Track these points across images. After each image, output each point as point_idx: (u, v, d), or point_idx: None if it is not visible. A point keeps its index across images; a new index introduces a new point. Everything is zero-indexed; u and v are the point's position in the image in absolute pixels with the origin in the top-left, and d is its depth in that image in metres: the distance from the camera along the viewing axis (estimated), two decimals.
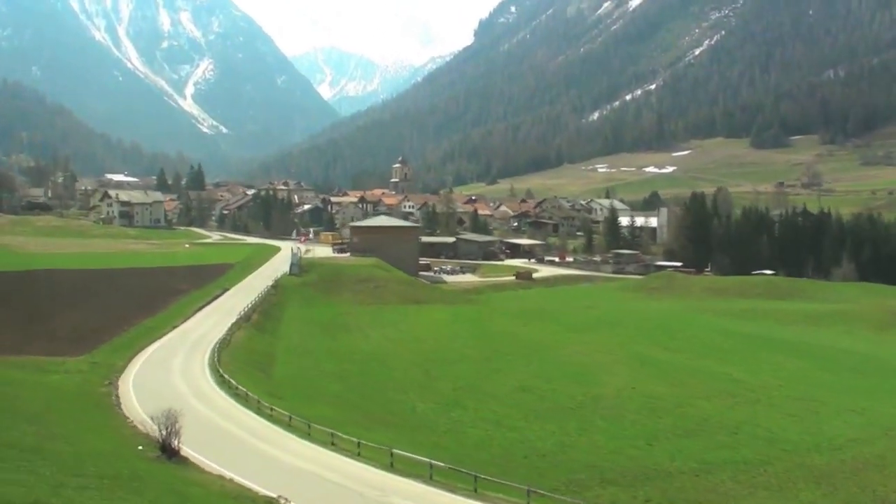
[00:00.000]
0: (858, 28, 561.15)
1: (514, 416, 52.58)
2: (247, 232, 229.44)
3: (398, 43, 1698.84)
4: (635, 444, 46.59)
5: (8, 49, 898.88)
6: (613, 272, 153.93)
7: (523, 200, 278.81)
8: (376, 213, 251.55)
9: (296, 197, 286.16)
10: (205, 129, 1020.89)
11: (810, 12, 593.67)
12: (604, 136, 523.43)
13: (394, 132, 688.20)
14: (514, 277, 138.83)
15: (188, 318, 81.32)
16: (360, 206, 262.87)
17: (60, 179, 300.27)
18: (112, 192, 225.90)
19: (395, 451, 37.63)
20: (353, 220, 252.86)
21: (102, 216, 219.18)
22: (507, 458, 42.70)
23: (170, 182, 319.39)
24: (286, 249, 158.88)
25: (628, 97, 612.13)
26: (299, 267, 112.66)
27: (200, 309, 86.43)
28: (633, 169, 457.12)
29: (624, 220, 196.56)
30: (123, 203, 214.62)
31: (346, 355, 71.80)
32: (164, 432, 35.28)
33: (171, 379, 55.05)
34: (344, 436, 40.88)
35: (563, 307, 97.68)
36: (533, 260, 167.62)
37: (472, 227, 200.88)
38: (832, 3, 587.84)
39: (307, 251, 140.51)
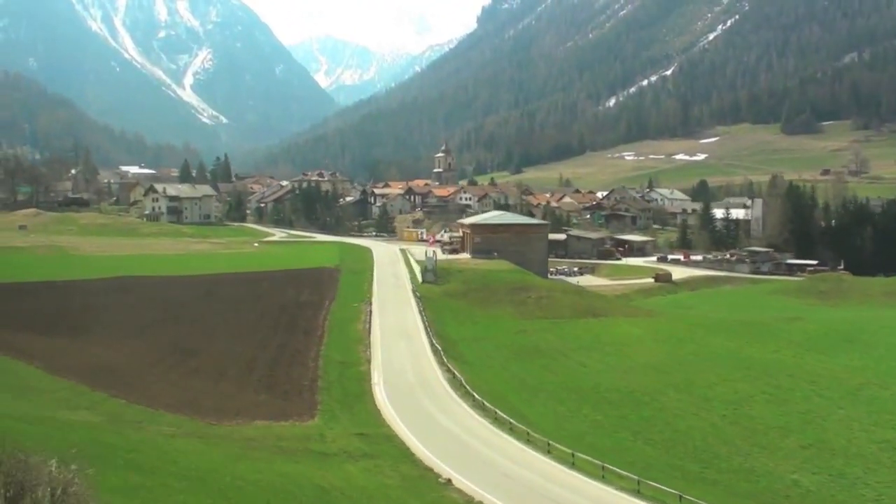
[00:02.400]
0: (876, 10, 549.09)
1: None
2: (290, 226, 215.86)
3: (394, 31, 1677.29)
4: None
5: (4, 41, 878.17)
6: (750, 272, 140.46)
7: (576, 191, 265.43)
8: (425, 205, 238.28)
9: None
10: (205, 120, 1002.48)
11: None
12: (625, 122, 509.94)
13: (401, 121, 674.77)
14: (652, 280, 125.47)
15: (368, 345, 67.94)
16: (408, 197, 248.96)
17: (74, 172, 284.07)
18: (159, 187, 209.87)
19: None
20: (400, 213, 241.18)
21: (147, 212, 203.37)
22: None
23: (194, 174, 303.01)
24: (375, 248, 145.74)
25: (644, 83, 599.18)
26: (434, 273, 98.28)
27: (368, 332, 72.97)
28: (662, 156, 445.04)
29: (717, 213, 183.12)
30: (172, 198, 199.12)
31: (590, 393, 58.27)
32: None
33: (491, 459, 41.39)
34: None
35: (758, 318, 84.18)
36: (654, 258, 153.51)
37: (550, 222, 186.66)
38: None
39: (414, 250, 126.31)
